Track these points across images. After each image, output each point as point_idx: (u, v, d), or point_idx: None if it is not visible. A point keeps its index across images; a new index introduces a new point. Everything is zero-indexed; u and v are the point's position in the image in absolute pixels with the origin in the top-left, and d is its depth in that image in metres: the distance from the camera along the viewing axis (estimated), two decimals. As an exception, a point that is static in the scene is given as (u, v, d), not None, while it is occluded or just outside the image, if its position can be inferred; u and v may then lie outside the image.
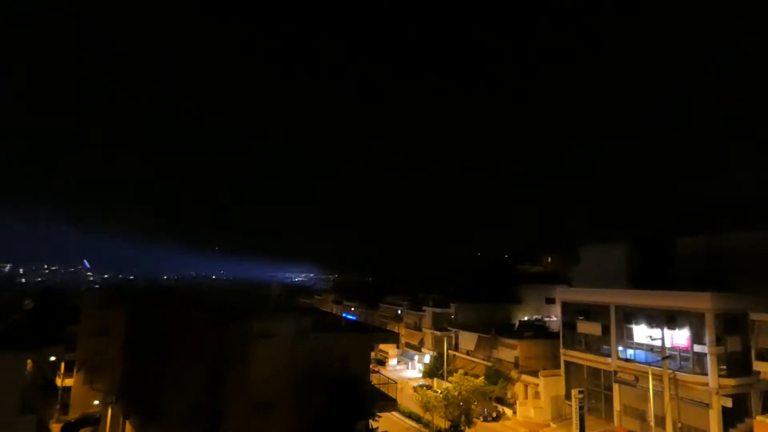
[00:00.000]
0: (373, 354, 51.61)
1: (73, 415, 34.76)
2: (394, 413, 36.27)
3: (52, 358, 38.52)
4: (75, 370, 35.98)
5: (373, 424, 18.09)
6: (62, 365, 37.02)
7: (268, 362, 15.58)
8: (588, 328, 37.87)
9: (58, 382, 36.47)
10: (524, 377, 41.31)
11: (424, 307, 60.96)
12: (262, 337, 15.81)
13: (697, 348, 30.11)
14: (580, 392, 35.20)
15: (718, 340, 29.36)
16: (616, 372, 35.14)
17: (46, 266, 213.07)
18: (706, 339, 29.49)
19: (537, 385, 40.14)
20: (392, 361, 62.84)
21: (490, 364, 44.44)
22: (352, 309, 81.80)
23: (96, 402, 33.77)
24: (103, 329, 33.86)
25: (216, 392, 16.42)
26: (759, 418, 26.84)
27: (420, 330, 61.22)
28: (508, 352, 43.94)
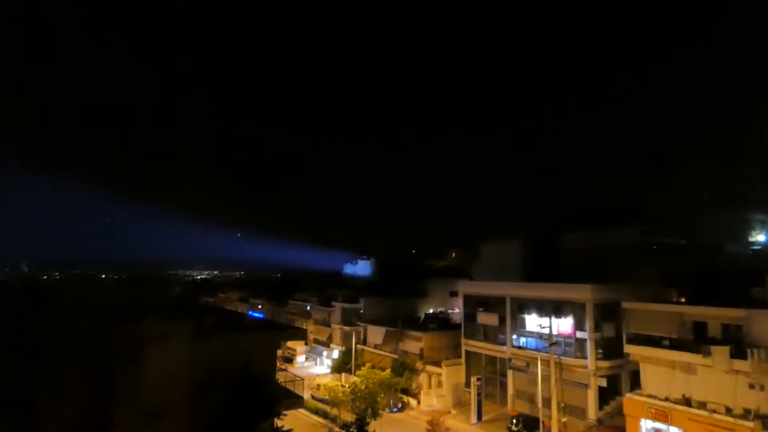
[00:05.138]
0: (280, 352, 50.61)
1: None
2: (301, 410, 35.77)
3: None
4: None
5: (278, 422, 17.64)
6: None
7: (162, 366, 14.52)
8: (486, 318, 40.19)
9: None
10: (428, 368, 42.82)
11: (333, 303, 60.82)
12: (157, 339, 14.70)
13: (579, 334, 33.20)
14: (478, 380, 37.32)
15: (597, 327, 32.61)
16: (510, 359, 37.67)
17: None
18: (587, 326, 32.65)
19: (440, 374, 41.82)
20: (300, 358, 62.05)
21: (396, 356, 45.48)
22: (259, 306, 79.41)
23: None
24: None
25: (102, 401, 15.01)
26: (628, 395, 30.21)
27: (329, 326, 61.02)
28: (414, 344, 45.29)
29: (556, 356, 32.23)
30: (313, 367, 59.90)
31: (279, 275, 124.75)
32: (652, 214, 45.15)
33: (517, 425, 33.58)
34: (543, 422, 31.47)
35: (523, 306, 37.49)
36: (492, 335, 39.80)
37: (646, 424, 28.45)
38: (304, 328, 61.95)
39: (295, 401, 19.65)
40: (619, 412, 30.67)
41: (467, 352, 41.81)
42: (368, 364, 41.24)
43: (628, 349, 30.11)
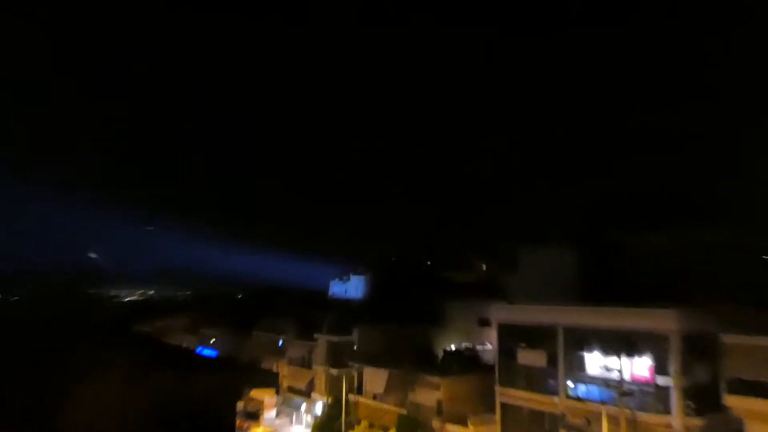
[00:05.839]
0: (241, 404, 50.51)
1: None
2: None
3: None
4: None
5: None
6: None
7: (81, 412, 14.75)
8: (531, 357, 39.95)
9: None
10: (449, 427, 42.68)
11: (316, 335, 60.78)
12: (70, 381, 14.90)
13: (660, 380, 32.94)
14: (519, 443, 37.14)
15: (685, 370, 32.33)
16: (564, 415, 37.46)
17: None
18: (671, 368, 32.37)
19: (465, 436, 41.70)
20: (269, 414, 61.94)
21: (404, 411, 45.37)
22: (213, 341, 79.61)
23: None
24: None
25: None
26: (728, 463, 30.06)
27: (310, 367, 61.04)
28: (429, 394, 45.13)
29: (628, 410, 32.04)
30: (286, 426, 59.95)
31: (240, 296, 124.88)
32: (756, 209, 44.82)
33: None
34: (609, 502, 31.32)
35: (581, 340, 37.26)
36: (538, 381, 39.58)
37: (753, 504, 28.30)
38: (275, 371, 62.01)
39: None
40: (716, 487, 30.51)
41: (503, 405, 41.60)
42: (365, 423, 41.24)
43: (729, 400, 29.94)
